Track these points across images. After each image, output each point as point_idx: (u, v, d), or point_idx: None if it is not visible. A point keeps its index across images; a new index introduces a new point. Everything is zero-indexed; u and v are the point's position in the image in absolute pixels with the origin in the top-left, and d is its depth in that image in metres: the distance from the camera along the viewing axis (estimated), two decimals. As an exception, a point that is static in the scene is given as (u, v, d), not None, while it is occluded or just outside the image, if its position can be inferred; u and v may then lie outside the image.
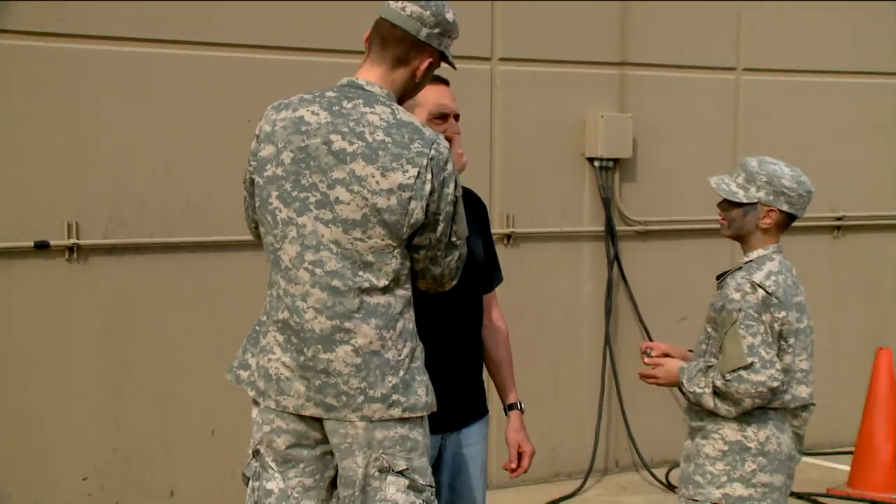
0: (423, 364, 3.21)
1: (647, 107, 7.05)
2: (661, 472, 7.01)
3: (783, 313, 3.61)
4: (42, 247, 5.49)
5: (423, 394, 3.16)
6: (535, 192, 6.72)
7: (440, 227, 3.14)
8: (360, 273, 3.09)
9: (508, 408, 3.87)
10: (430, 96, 3.60)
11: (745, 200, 3.69)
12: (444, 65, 3.35)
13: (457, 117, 3.69)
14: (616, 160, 6.92)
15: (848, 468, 6.84)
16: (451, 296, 3.60)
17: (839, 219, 7.75)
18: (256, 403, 3.26)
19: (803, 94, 7.59)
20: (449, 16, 3.24)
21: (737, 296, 3.63)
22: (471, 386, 3.78)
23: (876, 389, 6.73)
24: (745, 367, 3.57)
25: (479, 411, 3.82)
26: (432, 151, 3.09)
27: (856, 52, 7.73)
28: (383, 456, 3.12)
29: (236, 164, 5.74)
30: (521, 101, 6.68)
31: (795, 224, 7.43)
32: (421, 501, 3.16)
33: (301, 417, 3.17)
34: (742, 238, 3.75)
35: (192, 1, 5.79)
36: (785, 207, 3.67)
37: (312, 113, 3.14)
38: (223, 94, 5.83)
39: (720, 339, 3.70)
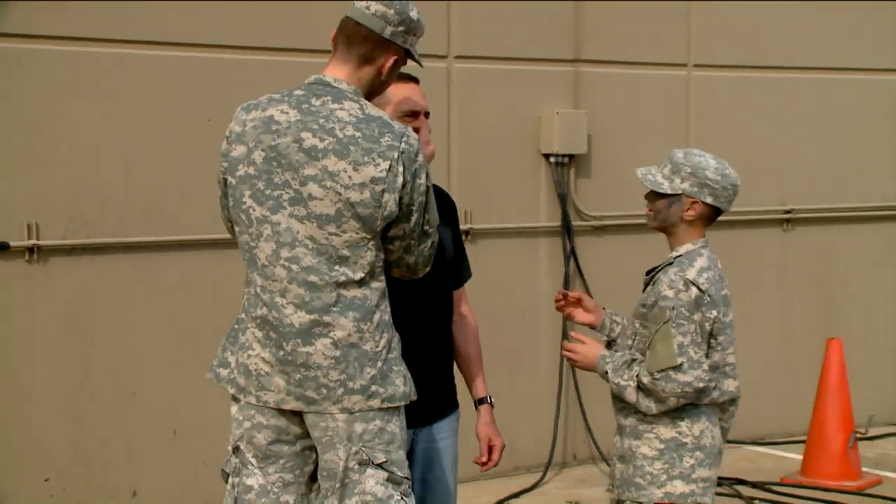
0: (400, 355, 3.26)
1: (601, 103, 7.13)
2: (618, 464, 7.10)
3: (714, 312, 3.60)
4: (2, 248, 5.48)
5: (400, 384, 3.21)
6: (491, 189, 6.78)
7: (413, 218, 3.19)
8: (336, 267, 3.12)
9: (479, 402, 3.90)
10: (400, 94, 3.63)
11: (669, 191, 3.67)
12: (413, 63, 3.39)
13: (427, 114, 3.73)
14: (571, 156, 6.99)
15: (801, 457, 6.96)
16: (421, 291, 3.65)
17: (788, 212, 7.87)
18: (236, 400, 3.28)
19: (753, 90, 7.70)
20: (413, 14, 3.29)
21: (670, 293, 3.61)
22: (441, 380, 3.81)
23: (827, 380, 6.85)
24: (674, 368, 3.56)
25: (449, 405, 3.85)
26: (403, 144, 3.14)
27: (805, 47, 7.86)
28: (363, 449, 3.16)
29: (195, 163, 5.82)
30: (477, 98, 6.73)
31: (746, 217, 7.58)
32: (399, 494, 3.20)
33: (281, 412, 3.20)
34: (667, 230, 3.73)
35: (148, 1, 5.79)
36: (709, 200, 3.66)
37: (282, 112, 3.18)
38: (182, 93, 5.83)
39: (650, 337, 3.67)
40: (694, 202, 3.67)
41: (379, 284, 3.20)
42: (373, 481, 3.16)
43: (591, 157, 7.09)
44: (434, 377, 3.77)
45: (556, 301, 4.03)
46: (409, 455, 3.72)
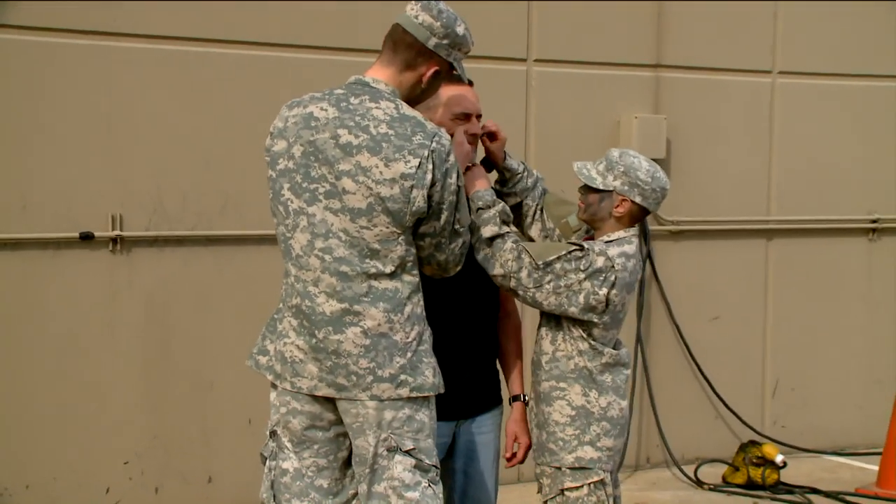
0: (431, 348, 3.33)
1: (681, 109, 7.10)
2: (690, 469, 7.07)
3: (604, 290, 3.63)
4: (87, 238, 5.66)
5: (430, 375, 3.28)
6: (569, 193, 6.76)
7: (444, 216, 3.26)
8: (368, 260, 3.21)
9: (513, 399, 3.97)
10: (453, 96, 3.70)
11: (601, 187, 3.75)
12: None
13: (479, 117, 3.79)
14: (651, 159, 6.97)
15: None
16: (467, 288, 3.74)
17: (874, 221, 7.75)
18: (274, 387, 3.39)
19: (839, 98, 7.59)
20: (459, 30, 3.36)
21: (589, 244, 3.68)
22: (484, 375, 3.89)
23: (907, 391, 6.75)
24: (529, 265, 3.62)
25: (492, 401, 3.92)
26: (434, 143, 3.21)
27: (892, 55, 7.73)
28: (392, 436, 3.23)
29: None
30: (556, 101, 6.76)
31: (831, 226, 7.47)
32: (426, 481, 3.27)
33: (315, 399, 3.29)
34: (595, 223, 3.79)
35: (234, 1, 5.93)
36: (638, 199, 3.72)
37: (321, 109, 3.27)
38: (261, 92, 5.93)
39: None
40: (623, 199, 3.74)
41: (411, 278, 3.27)
42: (401, 467, 3.24)
43: (669, 162, 7.07)
44: (476, 372, 3.85)
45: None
46: (452, 447, 3.81)
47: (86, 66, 5.65)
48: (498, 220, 3.68)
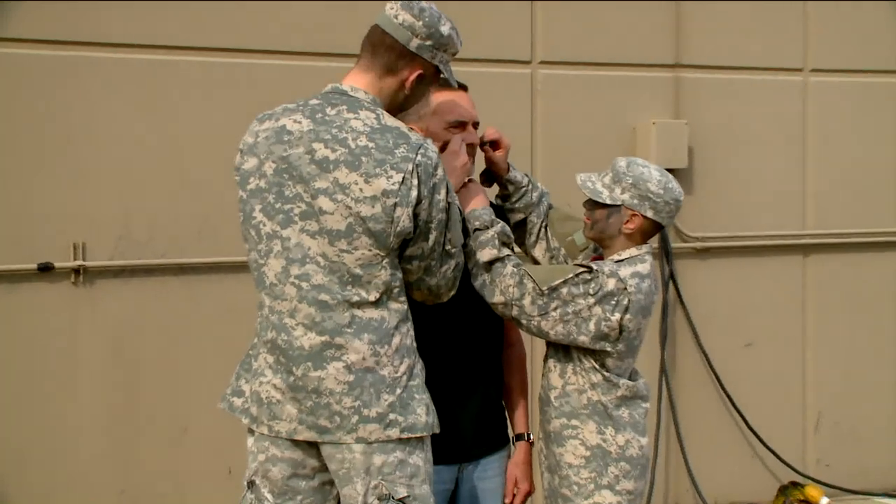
0: (424, 383, 3.33)
1: (704, 112, 7.11)
2: (725, 515, 7.08)
3: (616, 315, 3.64)
4: (45, 269, 5.65)
5: (422, 413, 3.28)
6: (579, 207, 6.77)
7: (433, 236, 3.28)
8: (349, 286, 3.22)
9: (516, 438, 3.98)
10: (445, 103, 3.73)
11: (608, 201, 3.77)
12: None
13: (475, 125, 3.82)
14: (671, 170, 6.94)
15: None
16: (465, 313, 3.75)
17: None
18: (251, 432, 3.39)
19: (879, 96, 7.58)
20: (444, 29, 3.38)
21: (597, 265, 3.68)
22: (488, 412, 3.90)
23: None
24: (532, 291, 3.62)
25: (498, 441, 3.93)
26: (419, 156, 3.23)
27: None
28: (383, 483, 3.23)
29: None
30: (564, 107, 6.76)
31: (876, 239, 7.45)
32: (423, 532, 3.28)
33: (296, 444, 3.29)
34: (604, 241, 3.81)
35: (206, 1, 5.95)
36: (649, 213, 3.74)
37: (295, 122, 3.30)
38: (242, 103, 5.88)
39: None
40: (633, 214, 3.75)
41: (398, 306, 3.28)
42: (395, 518, 3.25)
43: (692, 172, 7.08)
44: (479, 409, 3.85)
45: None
46: (454, 494, 3.81)
47: (39, 78, 5.64)
48: (497, 241, 3.69)
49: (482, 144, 3.87)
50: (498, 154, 3.93)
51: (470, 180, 3.82)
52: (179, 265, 5.95)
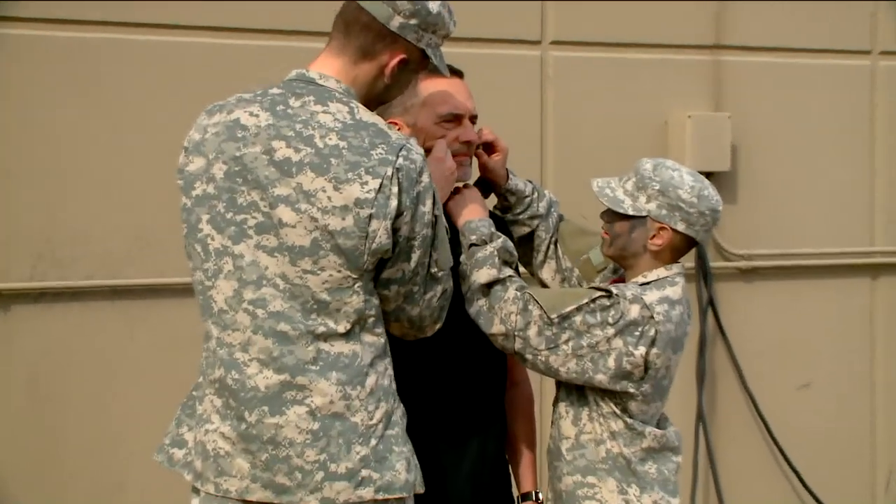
0: (404, 432, 3.33)
1: (750, 104, 7.13)
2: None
3: (641, 349, 3.63)
4: (-50, 292, 5.68)
5: (402, 469, 3.27)
6: (597, 219, 6.77)
7: (415, 256, 3.28)
8: (314, 315, 3.22)
9: (522, 498, 3.99)
10: (437, 94, 3.74)
11: (630, 212, 3.78)
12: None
13: (473, 119, 3.83)
14: (709, 174, 6.99)
15: None
16: (458, 347, 3.77)
17: None
18: (195, 491, 3.39)
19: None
20: (432, 5, 3.38)
21: (618, 290, 3.68)
22: (489, 469, 3.90)
23: None
24: (539, 318, 3.63)
25: (501, 500, 3.94)
26: (399, 160, 3.23)
27: None
28: (353, 555, 3.25)
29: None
30: (580, 97, 6.77)
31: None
32: None
33: (249, 505, 3.31)
34: (625, 260, 3.83)
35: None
36: (680, 227, 3.75)
37: (251, 115, 3.30)
38: (191, 90, 5.91)
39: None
40: (661, 227, 3.76)
41: (374, 339, 3.28)
42: None
43: (736, 177, 7.10)
44: (477, 464, 3.86)
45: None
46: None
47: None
48: (497, 260, 3.70)
49: (476, 148, 3.87)
50: (494, 159, 3.94)
51: (465, 185, 3.83)
52: (112, 288, 5.95)
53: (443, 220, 3.37)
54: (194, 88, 5.89)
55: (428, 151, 3.65)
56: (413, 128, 3.72)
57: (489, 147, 3.92)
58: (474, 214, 3.76)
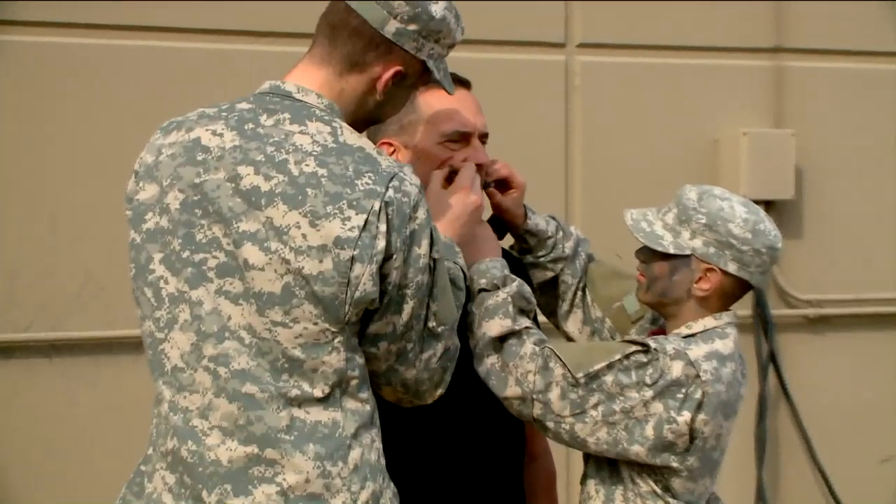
0: None
1: (819, 118, 7.16)
2: None
3: (689, 415, 3.66)
4: None
5: None
6: (633, 259, 6.78)
7: (409, 307, 3.27)
8: (286, 375, 3.20)
9: None
10: (442, 111, 3.76)
11: (672, 251, 3.77)
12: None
13: (483, 138, 3.84)
14: (768, 204, 7.02)
15: None
16: (469, 415, 3.79)
17: None
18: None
19: None
20: (436, 8, 3.38)
21: (656, 342, 3.68)
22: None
23: None
24: (562, 378, 3.63)
25: None
26: (390, 191, 3.21)
27: None
28: None
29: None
30: (612, 110, 6.81)
31: None
32: None
33: None
34: (666, 307, 3.83)
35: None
36: (731, 268, 3.73)
37: (214, 134, 3.29)
38: (147, 102, 5.97)
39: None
40: (709, 269, 3.75)
41: (358, 406, 3.26)
42: None
43: (801, 207, 7.13)
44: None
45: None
46: None
47: None
48: (511, 308, 3.69)
49: (485, 186, 3.84)
50: (510, 197, 3.94)
51: None
52: (51, 342, 5.98)
53: (444, 266, 3.36)
54: (143, 103, 5.96)
55: (450, 175, 3.69)
56: (411, 150, 3.74)
57: (503, 184, 3.91)
58: (485, 253, 3.76)
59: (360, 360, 3.29)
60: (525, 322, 3.70)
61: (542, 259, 4.01)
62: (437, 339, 3.37)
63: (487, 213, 3.91)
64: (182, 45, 6.14)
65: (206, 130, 3.33)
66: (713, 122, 7.02)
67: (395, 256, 3.23)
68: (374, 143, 3.45)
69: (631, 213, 3.87)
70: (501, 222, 3.96)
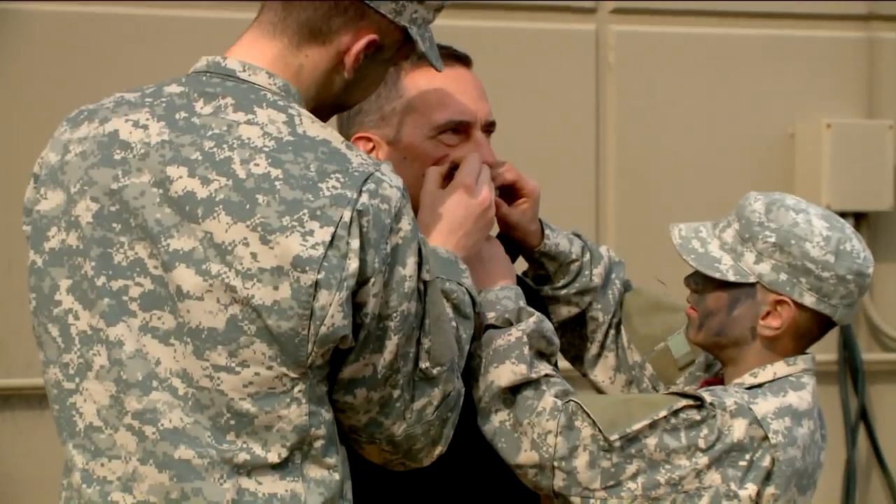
0: None
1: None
2: None
3: (754, 488, 3.68)
4: None
5: None
6: (682, 287, 6.84)
7: (391, 344, 3.24)
8: (231, 436, 3.24)
9: None
10: (434, 91, 3.76)
11: (731, 278, 3.76)
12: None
13: (489, 128, 3.88)
14: (859, 217, 7.07)
15: None
16: (471, 484, 3.82)
17: None
18: None
19: None
20: None
21: (714, 397, 3.67)
22: None
23: None
24: (591, 439, 3.63)
25: None
26: (363, 196, 3.18)
27: None
28: None
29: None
30: (655, 91, 6.88)
31: None
32: None
33: None
34: (724, 349, 3.82)
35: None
36: (808, 300, 3.73)
37: (136, 126, 3.28)
38: (65, 86, 6.11)
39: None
40: (780, 300, 3.75)
41: (323, 474, 3.26)
42: None
43: (901, 218, 7.21)
44: None
45: None
46: None
47: None
48: (526, 350, 3.69)
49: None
50: (520, 209, 3.92)
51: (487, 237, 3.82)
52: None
53: (438, 290, 3.36)
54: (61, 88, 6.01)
55: (448, 174, 3.69)
56: (395, 146, 3.75)
57: (509, 192, 3.89)
58: (494, 279, 3.78)
59: (326, 414, 3.27)
60: (544, 368, 3.69)
61: (562, 291, 3.99)
62: (432, 383, 3.35)
63: (493, 230, 3.89)
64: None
65: (126, 121, 3.31)
66: (787, 110, 7.08)
67: (372, 280, 3.19)
68: (347, 139, 3.44)
69: (679, 228, 3.87)
70: (510, 241, 3.92)
